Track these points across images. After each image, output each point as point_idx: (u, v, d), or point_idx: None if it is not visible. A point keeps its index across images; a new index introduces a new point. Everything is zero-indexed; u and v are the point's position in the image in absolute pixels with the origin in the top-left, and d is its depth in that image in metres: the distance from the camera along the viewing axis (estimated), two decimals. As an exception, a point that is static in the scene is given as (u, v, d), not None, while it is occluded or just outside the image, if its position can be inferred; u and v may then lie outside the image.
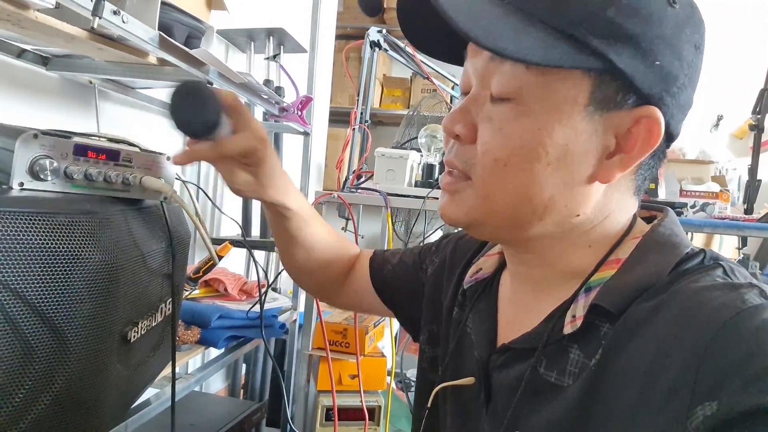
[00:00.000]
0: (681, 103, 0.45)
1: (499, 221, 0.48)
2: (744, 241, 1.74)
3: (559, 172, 0.44)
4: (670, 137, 0.46)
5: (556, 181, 0.45)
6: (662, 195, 1.52)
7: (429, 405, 0.59)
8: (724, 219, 1.43)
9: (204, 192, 0.77)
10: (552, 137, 0.43)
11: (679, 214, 1.31)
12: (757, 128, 1.53)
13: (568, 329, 0.45)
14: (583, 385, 0.43)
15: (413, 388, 1.83)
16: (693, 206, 1.48)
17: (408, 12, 0.51)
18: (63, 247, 0.52)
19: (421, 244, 0.78)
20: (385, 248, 0.85)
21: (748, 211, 1.56)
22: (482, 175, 0.47)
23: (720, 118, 3.18)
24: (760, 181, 1.55)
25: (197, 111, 0.54)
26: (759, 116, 1.51)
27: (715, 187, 1.50)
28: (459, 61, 0.52)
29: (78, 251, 0.53)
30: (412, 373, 1.90)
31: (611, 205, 0.48)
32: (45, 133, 0.55)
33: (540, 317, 0.49)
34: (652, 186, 1.51)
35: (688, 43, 0.43)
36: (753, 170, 1.54)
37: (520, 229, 0.48)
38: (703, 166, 1.56)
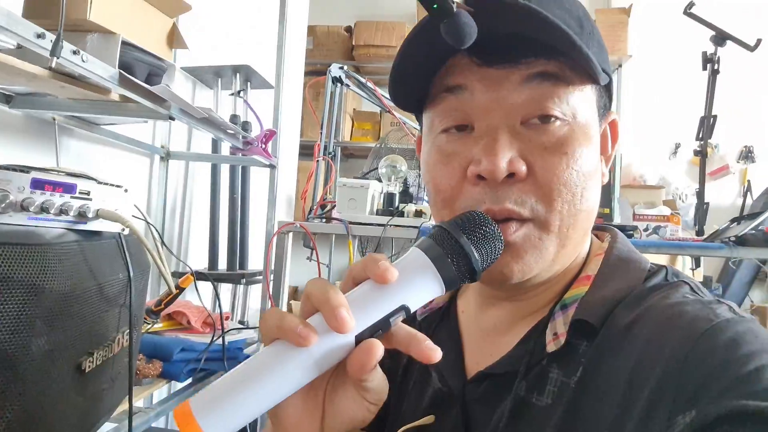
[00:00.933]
0: None
1: (561, 258, 0.46)
2: (697, 262, 1.81)
3: (597, 182, 0.47)
4: None
5: (596, 192, 0.46)
6: (617, 219, 1.59)
7: None
8: (674, 240, 1.50)
9: (154, 228, 0.78)
10: (593, 150, 0.46)
11: (630, 236, 1.37)
12: (701, 153, 1.62)
13: (551, 347, 0.44)
14: (564, 405, 0.42)
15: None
16: (646, 229, 1.55)
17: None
18: (17, 277, 0.53)
19: None
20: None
21: (699, 232, 1.63)
22: (559, 212, 0.43)
23: (678, 146, 3.33)
24: (707, 203, 1.63)
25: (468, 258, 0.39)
26: (702, 142, 1.59)
27: (666, 211, 1.58)
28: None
29: (33, 281, 0.54)
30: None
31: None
32: (2, 167, 0.57)
33: (513, 340, 0.47)
34: (607, 210, 1.58)
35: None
36: (700, 194, 1.62)
37: (563, 260, 0.47)
38: (654, 191, 1.64)
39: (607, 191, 1.57)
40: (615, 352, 0.41)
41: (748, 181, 2.79)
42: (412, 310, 0.38)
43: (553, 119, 0.43)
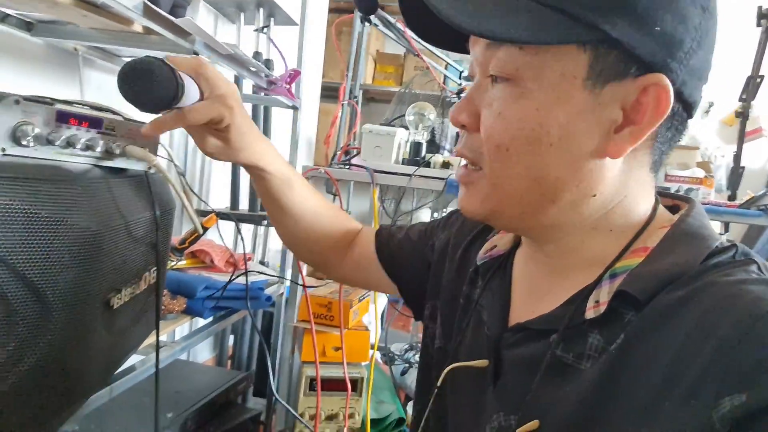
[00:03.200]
0: (692, 68, 0.43)
1: (513, 209, 0.48)
2: (726, 227, 1.77)
3: (563, 151, 0.44)
4: (688, 106, 0.45)
5: (562, 161, 0.44)
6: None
7: (438, 384, 0.58)
8: (707, 204, 1.45)
9: (178, 167, 0.77)
10: (551, 117, 0.43)
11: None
12: (742, 115, 1.54)
13: (590, 314, 0.44)
14: (601, 369, 0.42)
15: (397, 362, 1.87)
16: (677, 191, 1.50)
17: (408, 6, 0.50)
18: (45, 214, 0.52)
19: (430, 221, 0.77)
20: (372, 224, 0.86)
21: (732, 197, 1.58)
22: (489, 162, 0.46)
23: (711, 105, 3.20)
24: (743, 168, 1.57)
25: (147, 88, 0.54)
26: (745, 103, 1.52)
27: (700, 173, 1.52)
28: (466, 50, 0.51)
29: (61, 218, 0.54)
30: (396, 347, 1.93)
31: (629, 182, 0.47)
32: (27, 99, 0.55)
33: (558, 301, 0.48)
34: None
35: (692, 5, 0.41)
36: (737, 157, 1.55)
37: (536, 215, 0.48)
38: (688, 152, 1.58)
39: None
40: (663, 325, 0.40)
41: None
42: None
43: (498, 79, 0.45)
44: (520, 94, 0.44)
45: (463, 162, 0.51)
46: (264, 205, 0.76)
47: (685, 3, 0.41)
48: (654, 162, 0.47)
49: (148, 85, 0.54)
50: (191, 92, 0.58)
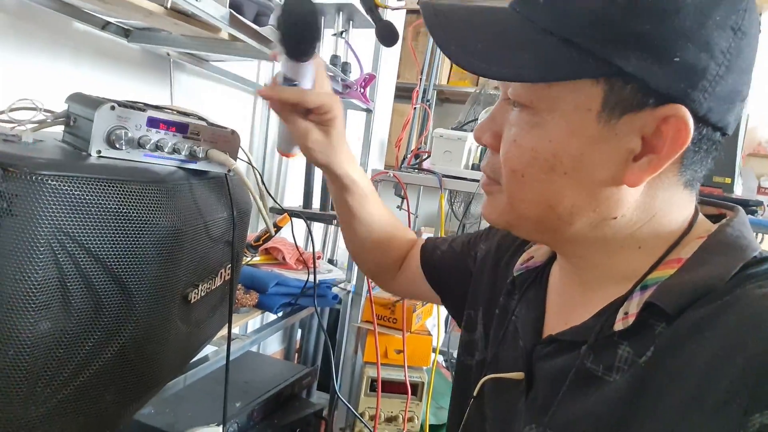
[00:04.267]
0: (720, 95, 0.40)
1: (529, 225, 0.49)
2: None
3: (577, 180, 0.44)
4: (719, 128, 0.42)
5: (576, 189, 0.44)
6: (738, 191, 1.43)
7: (475, 394, 0.59)
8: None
9: (256, 170, 0.81)
10: (565, 147, 0.43)
11: (752, 212, 1.24)
12: None
13: (619, 326, 0.44)
14: (630, 381, 0.42)
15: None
16: (771, 205, 1.38)
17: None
18: (134, 212, 0.56)
19: (473, 232, 0.78)
20: (439, 229, 0.87)
21: (837, 214, 1.44)
22: (506, 183, 0.48)
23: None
24: None
25: (305, 31, 0.59)
26: None
27: (799, 186, 1.40)
28: None
29: (147, 216, 0.58)
30: (459, 353, 1.91)
31: (655, 203, 0.45)
32: (121, 104, 0.59)
33: (589, 312, 0.48)
34: (728, 180, 1.43)
35: (719, 29, 0.39)
36: None
37: (553, 233, 0.48)
38: (787, 163, 1.45)
39: (731, 158, 1.41)
40: (693, 339, 0.39)
41: None
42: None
43: (516, 104, 0.46)
44: (535, 123, 0.44)
45: None
46: (339, 212, 0.79)
47: (710, 29, 0.38)
48: (687, 181, 0.45)
49: (308, 28, 0.59)
50: (309, 75, 0.64)
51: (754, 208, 1.27)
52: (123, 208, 0.55)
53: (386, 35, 0.78)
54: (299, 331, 2.07)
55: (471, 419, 0.60)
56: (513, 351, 0.57)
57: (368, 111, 1.61)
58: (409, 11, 2.80)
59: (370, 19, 0.78)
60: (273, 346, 2.06)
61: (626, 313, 0.44)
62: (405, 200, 1.30)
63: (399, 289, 0.87)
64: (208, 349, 0.94)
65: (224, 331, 0.87)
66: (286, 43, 0.60)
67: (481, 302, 0.66)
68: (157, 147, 0.63)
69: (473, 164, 1.37)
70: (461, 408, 0.62)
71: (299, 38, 0.59)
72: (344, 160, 0.70)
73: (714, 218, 0.49)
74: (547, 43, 0.41)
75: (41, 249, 0.47)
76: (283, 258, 1.36)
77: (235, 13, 0.86)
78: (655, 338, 0.42)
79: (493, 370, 0.58)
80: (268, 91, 0.65)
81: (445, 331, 1.72)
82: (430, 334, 1.46)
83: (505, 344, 0.59)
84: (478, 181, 1.25)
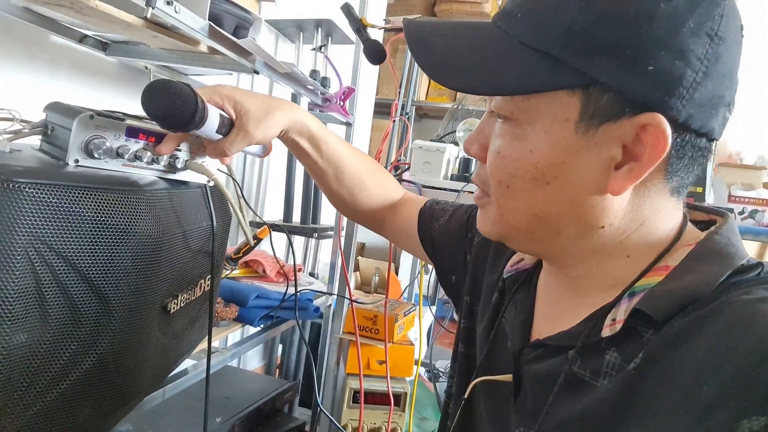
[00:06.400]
0: (700, 101, 0.40)
1: (520, 236, 0.50)
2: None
3: (560, 190, 0.45)
4: (703, 134, 0.43)
5: (559, 199, 0.45)
6: (710, 200, 1.47)
7: (466, 396, 0.60)
8: (774, 227, 1.37)
9: (236, 182, 0.81)
10: (545, 158, 0.44)
11: (723, 219, 1.27)
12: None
13: (606, 332, 0.44)
14: (617, 387, 0.42)
15: (441, 379, 1.85)
16: (741, 212, 1.43)
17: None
18: (112, 221, 0.56)
19: (470, 206, 0.78)
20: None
21: (804, 220, 1.49)
22: (494, 194, 0.49)
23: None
24: (818, 190, 1.47)
25: (171, 105, 0.60)
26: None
27: (766, 194, 1.44)
28: None
29: (126, 225, 0.57)
30: (441, 364, 1.91)
31: (643, 211, 0.46)
32: (100, 114, 0.59)
33: (577, 318, 0.48)
34: (700, 189, 1.47)
35: (694, 36, 0.39)
36: (811, 178, 1.47)
37: (544, 243, 0.49)
38: (754, 172, 1.50)
39: (702, 168, 1.45)
40: (681, 345, 0.39)
41: None
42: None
43: (500, 116, 0.47)
44: (516, 135, 0.45)
45: None
46: (306, 169, 0.81)
47: (684, 36, 0.39)
48: (674, 188, 0.46)
49: (172, 100, 0.59)
50: (208, 125, 0.64)
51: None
52: (101, 217, 0.55)
53: (374, 53, 0.80)
54: (280, 346, 2.05)
55: (460, 421, 0.61)
56: (501, 353, 0.58)
57: (348, 124, 1.62)
58: (388, 30, 2.84)
59: (359, 39, 0.80)
60: (254, 362, 2.03)
61: (614, 320, 0.44)
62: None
63: (392, 238, 0.89)
64: (187, 363, 0.93)
65: (204, 345, 0.86)
66: (174, 128, 0.62)
67: (480, 294, 0.67)
68: (136, 157, 0.63)
69: (452, 174, 1.39)
70: (451, 408, 0.64)
71: (179, 123, 0.61)
72: (267, 128, 0.69)
73: (703, 224, 0.49)
74: (524, 56, 0.42)
75: (18, 258, 0.46)
76: (264, 271, 1.35)
77: (214, 25, 0.86)
78: (643, 345, 0.42)
79: (485, 371, 0.58)
80: (162, 149, 0.65)
81: (428, 343, 1.72)
82: (412, 344, 1.46)
83: (495, 345, 0.59)
84: (457, 191, 1.26)
